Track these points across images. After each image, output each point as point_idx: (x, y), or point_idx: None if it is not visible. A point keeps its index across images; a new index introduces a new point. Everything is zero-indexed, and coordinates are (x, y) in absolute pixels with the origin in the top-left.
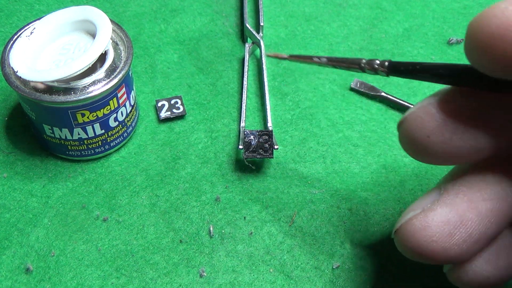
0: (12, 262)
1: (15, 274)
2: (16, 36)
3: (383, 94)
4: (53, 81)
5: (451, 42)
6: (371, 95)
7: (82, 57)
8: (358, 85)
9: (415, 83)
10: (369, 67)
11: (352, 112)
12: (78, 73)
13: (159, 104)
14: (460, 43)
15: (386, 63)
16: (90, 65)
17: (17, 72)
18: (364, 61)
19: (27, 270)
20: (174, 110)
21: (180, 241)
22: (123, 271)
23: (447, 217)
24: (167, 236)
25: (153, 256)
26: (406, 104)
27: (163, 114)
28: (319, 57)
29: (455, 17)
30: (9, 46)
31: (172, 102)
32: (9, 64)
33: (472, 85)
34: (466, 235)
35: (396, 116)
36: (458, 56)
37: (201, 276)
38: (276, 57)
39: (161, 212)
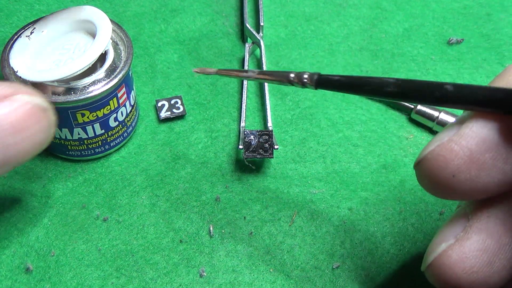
0: (12, 262)
1: (15, 274)
2: (16, 36)
3: None
4: (53, 81)
5: (451, 42)
6: None
7: (82, 57)
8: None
9: None
10: (297, 81)
11: (352, 112)
12: (78, 73)
13: (159, 104)
14: (460, 43)
15: (315, 77)
16: (90, 65)
17: (17, 72)
18: (292, 75)
19: (27, 270)
20: (174, 110)
21: (180, 241)
22: (123, 271)
23: (484, 245)
24: (167, 236)
25: (153, 256)
26: (406, 104)
27: (163, 114)
28: (247, 71)
29: (455, 17)
30: (9, 46)
31: (172, 102)
32: (9, 64)
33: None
34: (506, 261)
35: (396, 116)
36: (458, 56)
37: (201, 276)
38: (204, 72)
39: (161, 212)
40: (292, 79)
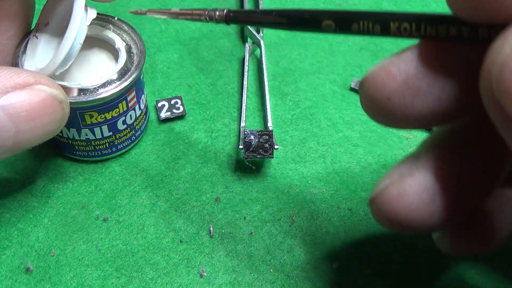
0: (12, 262)
1: (15, 274)
2: (27, 39)
3: None
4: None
5: None
6: None
7: (58, 50)
8: (358, 85)
9: None
10: (211, 16)
11: (352, 112)
12: (56, 67)
13: (159, 104)
14: None
15: (225, 12)
16: (65, 58)
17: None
18: (206, 11)
19: (27, 270)
20: (174, 110)
21: (180, 241)
22: (123, 271)
23: (426, 183)
24: (167, 236)
25: (153, 256)
26: None
27: (163, 114)
28: (170, 10)
29: None
30: (20, 50)
31: (172, 102)
32: (19, 65)
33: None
34: (448, 201)
35: None
36: None
37: (201, 276)
38: (136, 13)
39: (161, 212)
40: (205, 16)
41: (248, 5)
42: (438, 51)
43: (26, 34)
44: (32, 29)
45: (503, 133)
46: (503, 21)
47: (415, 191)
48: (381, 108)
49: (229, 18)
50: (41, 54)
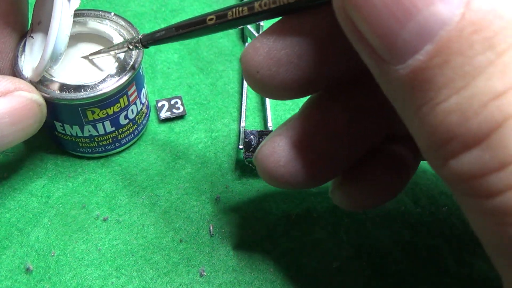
0: (12, 262)
1: (15, 274)
2: (23, 40)
3: None
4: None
5: None
6: None
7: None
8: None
9: None
10: (132, 45)
11: None
12: (46, 62)
13: (159, 104)
14: None
15: (141, 37)
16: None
17: (27, 78)
18: (126, 43)
19: (27, 270)
20: (174, 110)
21: (180, 241)
22: (123, 270)
23: (292, 141)
24: (167, 235)
25: (153, 256)
26: None
27: (163, 114)
28: (100, 51)
29: None
30: (19, 51)
31: (172, 102)
32: (22, 75)
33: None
34: (314, 156)
35: None
36: None
37: (201, 275)
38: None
39: (161, 211)
40: (131, 47)
41: None
42: (292, 23)
43: (24, 34)
44: (28, 30)
45: (361, 54)
46: None
47: (281, 148)
48: (254, 80)
49: (145, 41)
50: (37, 53)
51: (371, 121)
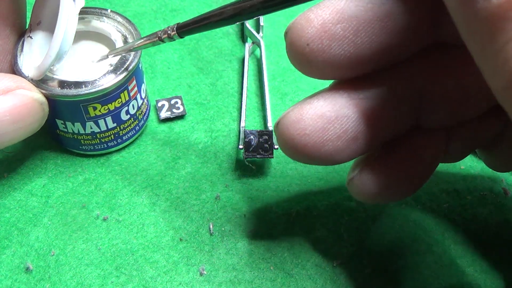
0: (12, 262)
1: (15, 274)
2: (21, 39)
3: None
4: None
5: None
6: None
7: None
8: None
9: None
10: (166, 35)
11: None
12: (51, 60)
13: (159, 104)
14: None
15: (175, 26)
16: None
17: (28, 76)
18: (159, 32)
19: (27, 269)
20: (174, 110)
21: (180, 240)
22: (123, 270)
23: (322, 111)
24: (167, 234)
25: (153, 255)
26: None
27: (163, 114)
28: (130, 44)
29: None
30: (17, 50)
31: (172, 102)
32: (21, 72)
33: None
34: (341, 132)
35: None
36: None
37: (201, 274)
38: (102, 59)
39: (161, 211)
40: (161, 35)
41: None
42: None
43: (21, 34)
44: (26, 30)
45: (456, 21)
46: None
47: (310, 116)
48: (301, 54)
49: (180, 30)
50: (37, 52)
51: (402, 108)
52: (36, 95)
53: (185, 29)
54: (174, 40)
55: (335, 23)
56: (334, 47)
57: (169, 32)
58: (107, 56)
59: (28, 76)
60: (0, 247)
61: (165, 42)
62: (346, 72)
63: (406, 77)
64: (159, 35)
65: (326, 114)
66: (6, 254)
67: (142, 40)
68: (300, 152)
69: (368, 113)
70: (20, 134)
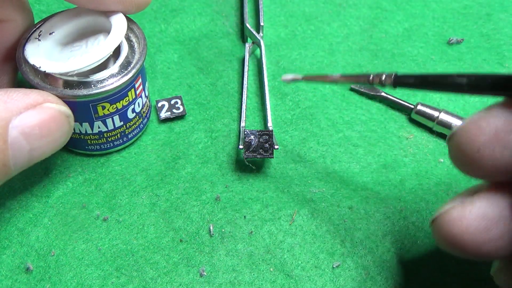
0: (12, 262)
1: (15, 274)
2: (24, 40)
3: (383, 94)
4: (75, 73)
5: (451, 42)
6: (371, 95)
7: (100, 48)
8: (358, 85)
9: None
10: (377, 81)
11: (352, 112)
12: (99, 62)
13: (159, 104)
14: (460, 43)
15: (393, 76)
16: (109, 55)
17: (40, 67)
18: (371, 76)
19: (27, 270)
20: (174, 110)
21: (180, 240)
22: (123, 270)
23: (485, 211)
24: (167, 235)
25: (153, 256)
26: (406, 104)
27: (163, 114)
28: (331, 76)
29: (455, 17)
30: (20, 48)
31: (172, 102)
32: (28, 62)
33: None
34: (504, 232)
35: (396, 116)
36: (458, 56)
37: (201, 275)
38: (293, 80)
39: (161, 211)
40: (372, 79)
41: (248, 5)
42: None
43: (26, 33)
44: (33, 33)
45: None
46: None
47: (473, 217)
48: (471, 159)
49: (398, 82)
50: (46, 53)
51: None
52: (62, 108)
53: (403, 83)
54: (385, 87)
55: (509, 133)
56: (506, 155)
57: (383, 79)
58: (295, 79)
59: (40, 67)
60: (0, 247)
61: (373, 85)
62: (506, 177)
63: None
64: (370, 79)
65: (489, 214)
66: (6, 254)
67: (351, 77)
68: (459, 248)
69: None
70: (48, 149)
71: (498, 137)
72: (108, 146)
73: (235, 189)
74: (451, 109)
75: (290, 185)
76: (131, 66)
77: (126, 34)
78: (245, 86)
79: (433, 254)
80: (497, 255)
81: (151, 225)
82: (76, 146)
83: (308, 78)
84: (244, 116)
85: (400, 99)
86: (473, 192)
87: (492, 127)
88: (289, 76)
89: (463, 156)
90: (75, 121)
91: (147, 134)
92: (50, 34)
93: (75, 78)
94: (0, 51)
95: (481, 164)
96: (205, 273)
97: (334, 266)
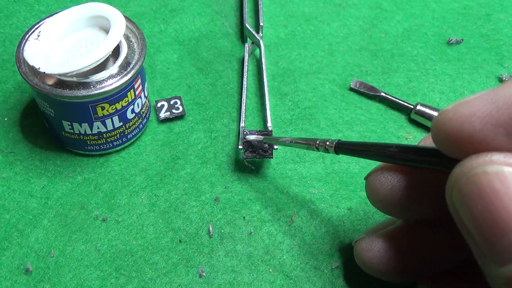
0: (12, 263)
1: (14, 275)
2: (23, 40)
3: (382, 94)
4: (74, 74)
5: (450, 42)
6: (371, 95)
7: (99, 49)
8: (357, 85)
9: (414, 83)
10: (322, 146)
11: (351, 112)
12: (98, 63)
13: (159, 104)
14: (460, 43)
15: (334, 143)
16: (108, 55)
17: (39, 68)
18: (318, 141)
19: (27, 271)
20: (174, 111)
21: (180, 241)
22: (123, 271)
23: (387, 246)
24: (166, 236)
25: (153, 256)
26: (405, 104)
27: (163, 114)
28: (283, 138)
29: (455, 17)
30: (20, 48)
31: (172, 102)
32: (27, 63)
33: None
34: (400, 266)
35: (396, 116)
36: (457, 56)
37: (200, 276)
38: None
39: (161, 212)
40: (317, 145)
41: (247, 5)
42: (416, 176)
43: (21, 38)
44: (32, 33)
45: (465, 237)
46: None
47: (376, 249)
48: (374, 203)
49: (339, 149)
50: (45, 53)
51: (454, 249)
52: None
53: (343, 149)
54: (328, 152)
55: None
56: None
57: (327, 144)
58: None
59: (39, 68)
60: (0, 249)
61: (319, 151)
62: (406, 215)
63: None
64: (317, 144)
65: (388, 251)
66: (6, 256)
67: (300, 141)
68: (370, 272)
69: (425, 252)
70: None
71: (394, 192)
72: (108, 147)
73: (234, 189)
74: None
75: (289, 186)
76: (131, 66)
77: (125, 35)
78: (244, 86)
79: None
80: (404, 281)
81: (151, 226)
82: (75, 147)
83: (267, 140)
84: (244, 116)
85: (399, 99)
86: (385, 224)
87: (389, 185)
88: (251, 137)
89: (370, 198)
90: (75, 121)
91: (147, 134)
92: (49, 34)
93: (74, 79)
94: None
95: (381, 208)
96: (204, 274)
97: (333, 267)
